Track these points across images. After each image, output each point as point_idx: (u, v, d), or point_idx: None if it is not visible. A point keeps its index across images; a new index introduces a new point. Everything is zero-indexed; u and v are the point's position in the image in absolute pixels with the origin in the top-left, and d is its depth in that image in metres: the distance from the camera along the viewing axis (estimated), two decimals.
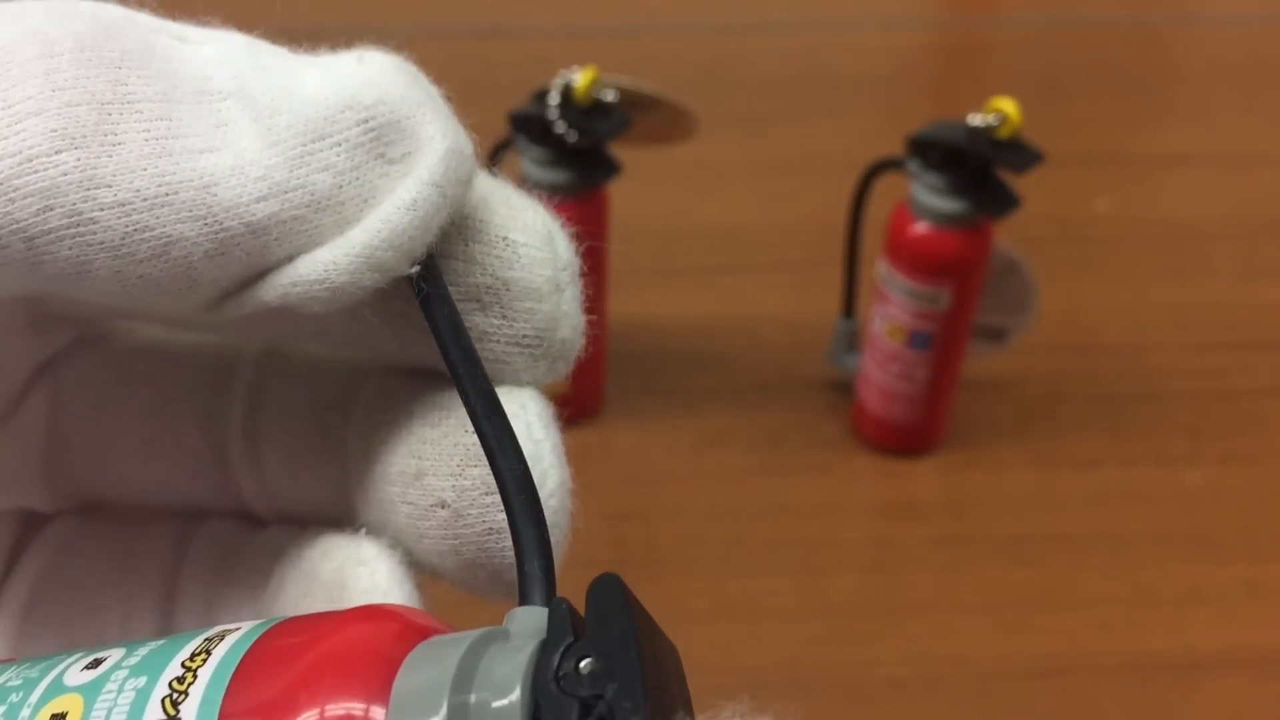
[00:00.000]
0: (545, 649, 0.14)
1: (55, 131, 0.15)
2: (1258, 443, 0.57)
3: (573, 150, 0.51)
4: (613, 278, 0.56)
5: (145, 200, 0.15)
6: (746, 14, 0.91)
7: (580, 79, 0.50)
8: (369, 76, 0.17)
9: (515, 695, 0.14)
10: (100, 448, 0.21)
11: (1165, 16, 0.93)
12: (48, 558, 0.21)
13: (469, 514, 0.18)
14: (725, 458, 0.55)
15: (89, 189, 0.15)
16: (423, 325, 0.17)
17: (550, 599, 0.15)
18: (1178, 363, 0.61)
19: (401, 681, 0.14)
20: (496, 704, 0.14)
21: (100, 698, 0.15)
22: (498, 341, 0.18)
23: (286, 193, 0.16)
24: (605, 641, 0.14)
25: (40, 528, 0.22)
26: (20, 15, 0.16)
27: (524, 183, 0.43)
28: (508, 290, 0.18)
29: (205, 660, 0.15)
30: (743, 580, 0.50)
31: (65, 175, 0.15)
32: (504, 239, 0.18)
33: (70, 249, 0.15)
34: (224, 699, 0.14)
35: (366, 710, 0.14)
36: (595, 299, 0.47)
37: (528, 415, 0.18)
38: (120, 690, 0.15)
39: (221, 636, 0.15)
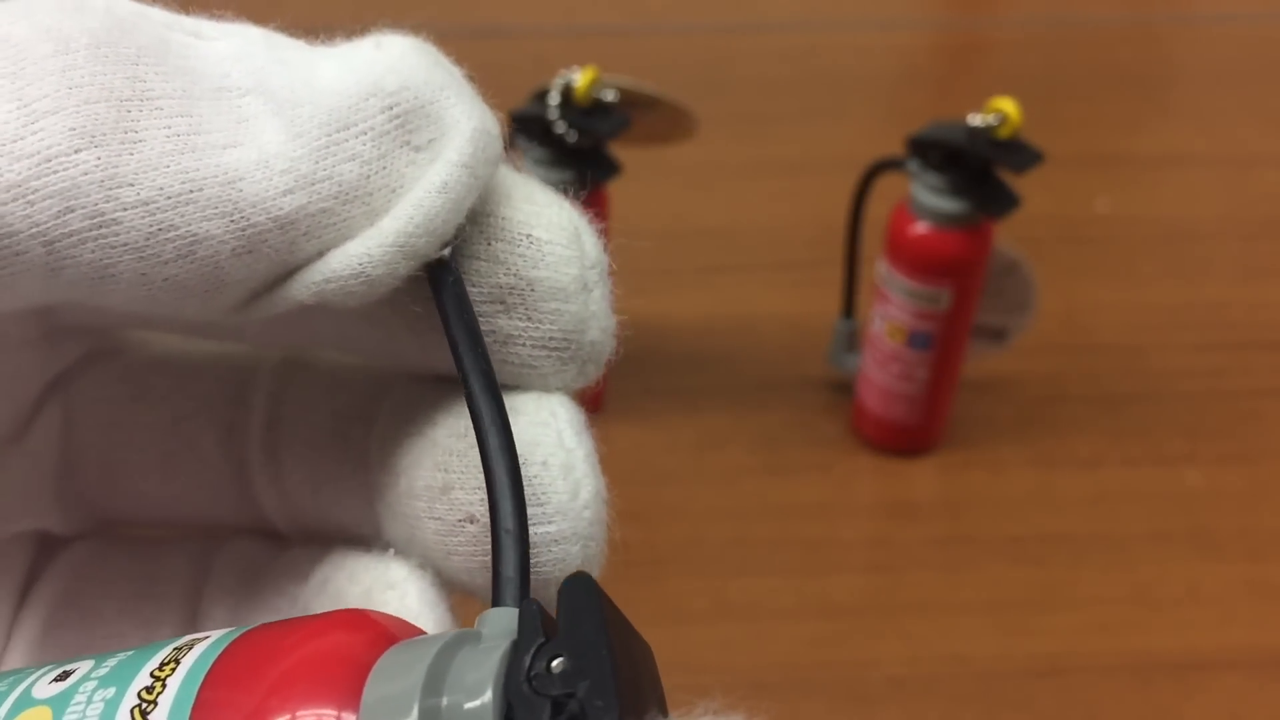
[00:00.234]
0: (517, 649, 0.14)
1: (74, 130, 0.15)
2: (1257, 443, 0.57)
3: (573, 150, 0.51)
4: (612, 278, 0.56)
5: (169, 198, 0.15)
6: (746, 14, 0.91)
7: (580, 79, 0.50)
8: (390, 62, 0.16)
9: (487, 696, 0.14)
10: (116, 465, 0.20)
11: (1165, 16, 0.93)
12: (64, 583, 0.20)
13: None
14: (725, 458, 0.55)
15: (111, 188, 0.15)
16: (440, 327, 0.17)
17: (523, 600, 0.15)
18: (1177, 363, 0.61)
19: (372, 686, 0.14)
20: (468, 705, 0.14)
21: (69, 709, 0.15)
22: (523, 345, 0.17)
23: (313, 184, 0.15)
24: (577, 641, 0.14)
25: (56, 551, 0.21)
26: (32, 12, 0.15)
27: None
28: (533, 290, 0.17)
29: (174, 669, 0.15)
30: (743, 580, 0.50)
31: (86, 175, 0.15)
32: (528, 236, 0.17)
33: (93, 252, 0.15)
34: (193, 708, 0.14)
35: (338, 716, 0.14)
36: None
37: (558, 423, 0.17)
38: (89, 701, 0.15)
39: (191, 645, 0.15)
